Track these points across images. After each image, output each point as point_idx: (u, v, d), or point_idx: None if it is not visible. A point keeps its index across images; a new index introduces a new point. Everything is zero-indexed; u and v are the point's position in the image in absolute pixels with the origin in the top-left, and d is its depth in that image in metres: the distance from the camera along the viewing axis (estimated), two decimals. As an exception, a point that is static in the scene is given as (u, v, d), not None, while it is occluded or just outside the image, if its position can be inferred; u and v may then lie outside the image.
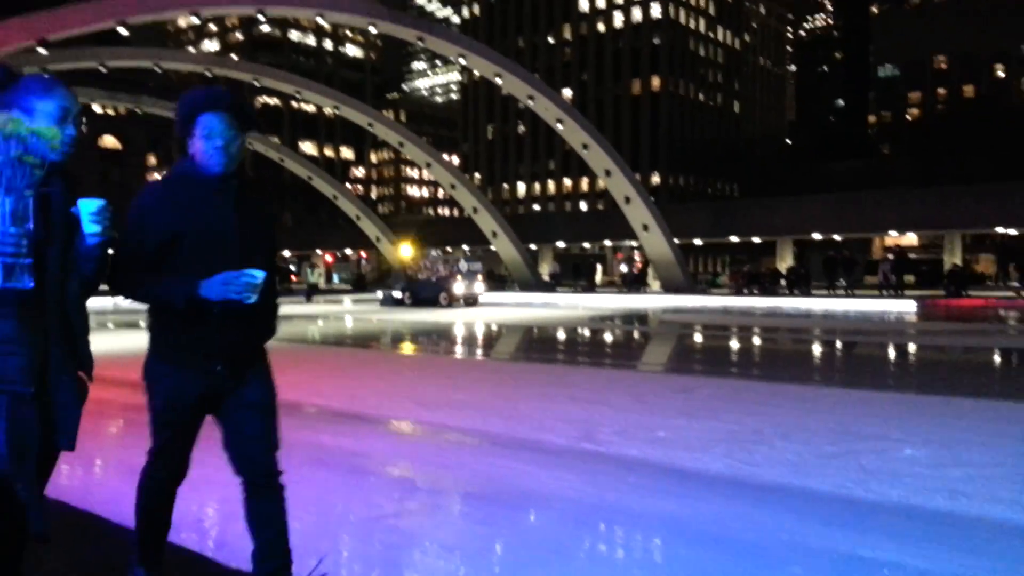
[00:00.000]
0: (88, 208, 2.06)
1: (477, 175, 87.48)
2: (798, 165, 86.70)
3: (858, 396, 7.85)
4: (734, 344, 14.75)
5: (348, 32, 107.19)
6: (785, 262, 40.60)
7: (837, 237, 41.28)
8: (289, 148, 54.88)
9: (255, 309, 2.38)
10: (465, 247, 49.03)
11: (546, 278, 42.21)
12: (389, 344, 15.21)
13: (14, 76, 2.08)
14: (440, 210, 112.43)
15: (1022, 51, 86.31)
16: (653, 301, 30.61)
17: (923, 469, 4.79)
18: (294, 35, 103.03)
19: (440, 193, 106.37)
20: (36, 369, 1.97)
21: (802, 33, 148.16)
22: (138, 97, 37.68)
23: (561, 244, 49.71)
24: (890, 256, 37.40)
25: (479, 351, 14.10)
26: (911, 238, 49.24)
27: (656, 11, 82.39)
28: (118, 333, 16.28)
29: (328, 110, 45.14)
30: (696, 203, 66.06)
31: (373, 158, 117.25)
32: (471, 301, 28.01)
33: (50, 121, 2.04)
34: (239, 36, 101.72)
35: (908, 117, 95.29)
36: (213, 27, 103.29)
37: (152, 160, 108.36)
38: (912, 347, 14.40)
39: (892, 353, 13.34)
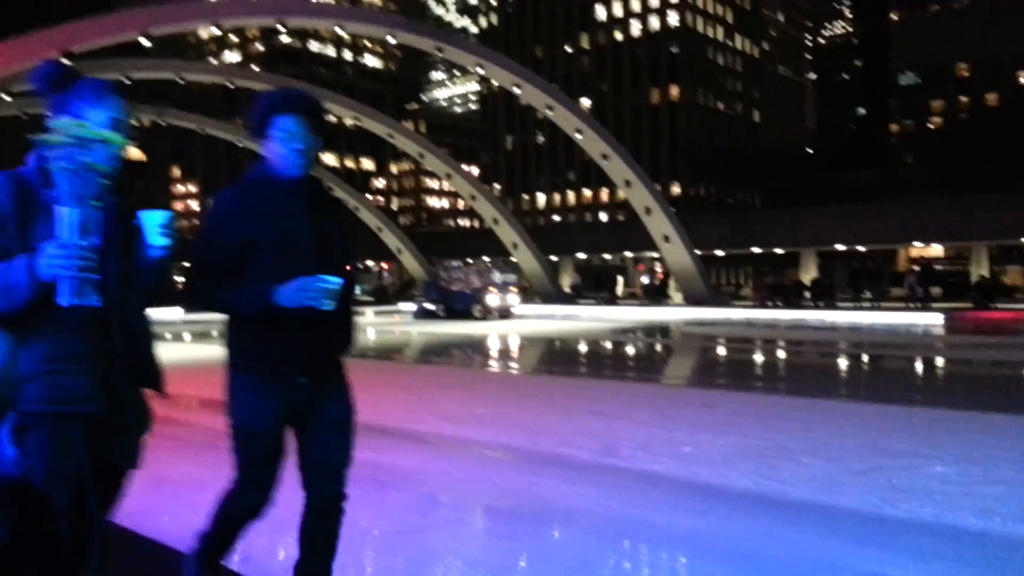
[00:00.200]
0: (154, 220, 1.98)
1: (496, 186, 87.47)
2: (819, 174, 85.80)
3: (886, 411, 7.74)
4: (758, 357, 14.63)
5: (367, 43, 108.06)
6: (809, 274, 40.16)
7: (861, 248, 40.85)
8: (310, 160, 55.16)
9: (332, 317, 2.28)
10: (486, 258, 49.07)
11: (567, 290, 42.10)
12: (415, 357, 15.26)
13: (72, 76, 1.96)
14: (460, 221, 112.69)
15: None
16: (675, 313, 30.46)
17: (954, 487, 4.71)
18: (314, 46, 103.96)
19: (460, 204, 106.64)
20: (104, 388, 1.91)
21: (821, 41, 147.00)
22: (161, 109, 38.15)
23: (581, 255, 49.55)
24: (916, 268, 36.94)
25: (512, 364, 14.10)
26: (936, 249, 48.57)
27: (673, 19, 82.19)
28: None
29: (348, 121, 45.42)
30: (717, 213, 65.55)
31: (393, 169, 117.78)
32: (505, 313, 27.63)
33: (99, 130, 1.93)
34: (259, 47, 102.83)
35: (930, 125, 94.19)
36: (234, 38, 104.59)
37: (176, 171, 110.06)
38: (940, 361, 14.21)
39: (920, 367, 13.17)
